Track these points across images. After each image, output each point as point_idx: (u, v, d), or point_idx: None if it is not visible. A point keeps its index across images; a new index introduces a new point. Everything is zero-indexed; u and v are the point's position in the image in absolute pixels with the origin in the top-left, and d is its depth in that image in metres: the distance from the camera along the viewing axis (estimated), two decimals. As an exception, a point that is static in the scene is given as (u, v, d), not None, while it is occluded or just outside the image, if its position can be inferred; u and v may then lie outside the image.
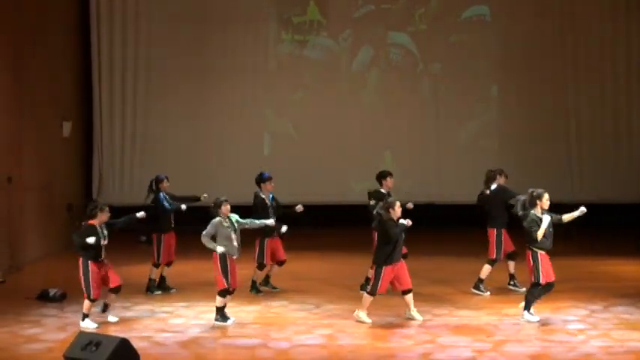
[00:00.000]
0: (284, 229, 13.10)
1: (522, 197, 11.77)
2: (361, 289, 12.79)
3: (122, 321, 12.11)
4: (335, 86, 20.34)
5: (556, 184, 18.64)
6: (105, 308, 12.11)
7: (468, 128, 20.40)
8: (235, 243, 11.76)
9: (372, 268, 12.31)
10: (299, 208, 13.30)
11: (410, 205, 12.84)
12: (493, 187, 13.35)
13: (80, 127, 19.79)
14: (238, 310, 12.51)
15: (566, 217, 11.70)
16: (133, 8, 20.11)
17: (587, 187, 19.94)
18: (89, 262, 11.73)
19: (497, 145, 20.39)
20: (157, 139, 20.23)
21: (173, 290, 13.77)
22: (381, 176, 13.60)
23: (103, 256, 11.89)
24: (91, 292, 11.72)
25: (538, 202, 11.56)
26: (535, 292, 11.67)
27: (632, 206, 19.90)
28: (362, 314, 11.81)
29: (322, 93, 20.32)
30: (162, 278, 13.88)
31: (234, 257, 11.77)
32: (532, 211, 11.53)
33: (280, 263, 13.60)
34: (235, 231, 11.82)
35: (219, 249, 11.64)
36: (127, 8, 20.09)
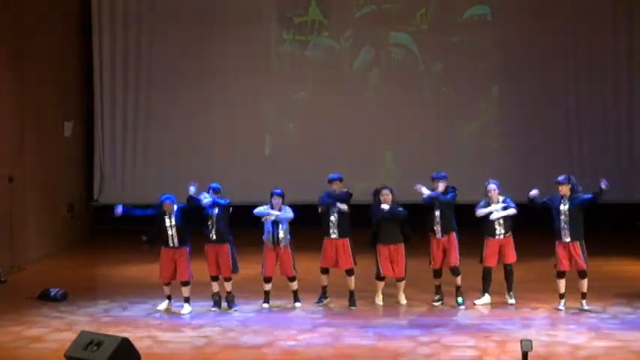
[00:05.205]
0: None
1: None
2: None
3: (123, 320, 12.14)
4: (336, 86, 20.34)
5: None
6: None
7: (469, 128, 20.41)
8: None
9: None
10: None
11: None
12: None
13: (81, 127, 19.81)
14: (243, 309, 12.60)
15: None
16: (135, 8, 20.12)
17: (588, 187, 19.86)
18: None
19: (497, 145, 20.40)
20: (158, 138, 20.25)
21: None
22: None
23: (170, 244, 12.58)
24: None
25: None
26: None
27: (634, 206, 19.93)
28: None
29: (323, 93, 20.33)
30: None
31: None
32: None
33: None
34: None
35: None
36: (129, 8, 20.10)
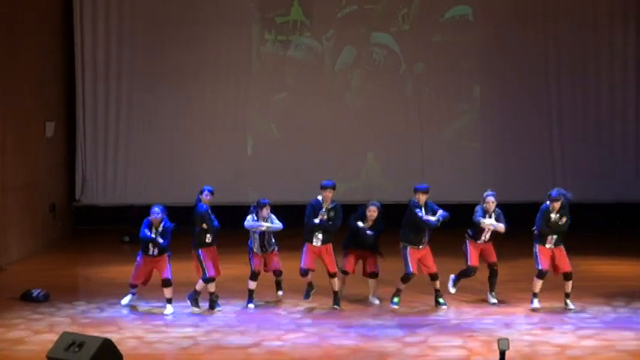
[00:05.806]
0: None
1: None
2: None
3: (105, 321, 12.11)
4: (318, 86, 20.35)
5: (539, 184, 18.73)
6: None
7: (451, 128, 20.44)
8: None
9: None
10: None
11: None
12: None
13: (63, 128, 19.73)
14: (227, 310, 12.62)
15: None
16: (117, 9, 20.05)
17: (569, 187, 19.86)
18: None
19: (479, 146, 20.44)
20: (140, 139, 20.19)
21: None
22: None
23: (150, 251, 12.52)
24: None
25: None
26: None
27: (614, 206, 20.04)
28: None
29: (305, 93, 20.33)
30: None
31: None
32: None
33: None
34: None
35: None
36: (111, 9, 20.02)
